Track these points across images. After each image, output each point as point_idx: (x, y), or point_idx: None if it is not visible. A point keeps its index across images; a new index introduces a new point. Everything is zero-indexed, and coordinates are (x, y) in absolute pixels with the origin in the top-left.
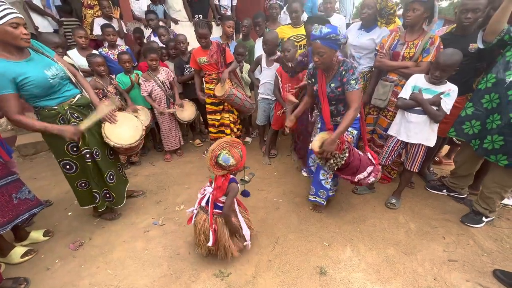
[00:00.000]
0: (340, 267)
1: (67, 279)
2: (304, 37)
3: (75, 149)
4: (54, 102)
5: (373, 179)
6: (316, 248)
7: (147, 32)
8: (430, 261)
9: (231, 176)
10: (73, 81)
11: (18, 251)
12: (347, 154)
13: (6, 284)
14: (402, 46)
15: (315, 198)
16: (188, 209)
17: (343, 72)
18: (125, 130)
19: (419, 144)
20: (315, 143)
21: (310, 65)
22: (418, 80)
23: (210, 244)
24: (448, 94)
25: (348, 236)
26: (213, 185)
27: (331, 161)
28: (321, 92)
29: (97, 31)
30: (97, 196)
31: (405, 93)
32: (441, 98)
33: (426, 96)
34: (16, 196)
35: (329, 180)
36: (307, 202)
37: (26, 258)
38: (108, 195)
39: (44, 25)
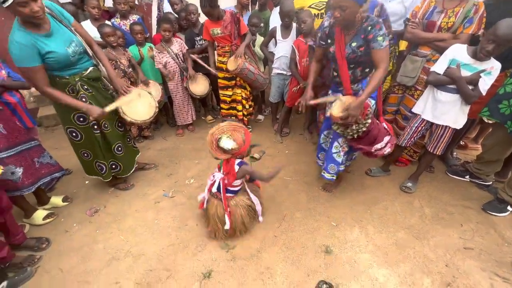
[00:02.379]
0: (346, 247)
1: (83, 242)
2: (326, 3)
3: (81, 119)
4: (67, 73)
5: (389, 150)
6: (323, 227)
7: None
8: (443, 247)
9: (239, 159)
10: (90, 53)
11: (40, 214)
12: (369, 121)
13: (30, 242)
14: (439, 15)
15: (323, 173)
16: (197, 184)
17: (369, 28)
18: (140, 106)
19: (446, 126)
20: (335, 108)
21: (326, 23)
22: (458, 53)
23: (227, 227)
24: (490, 73)
25: (357, 217)
26: (221, 171)
27: (353, 127)
28: (340, 54)
29: (108, 2)
30: (103, 166)
31: (439, 66)
32: (480, 77)
33: (464, 73)
34: (38, 160)
35: (342, 153)
36: (317, 182)
37: (48, 220)
38: (114, 166)
39: None
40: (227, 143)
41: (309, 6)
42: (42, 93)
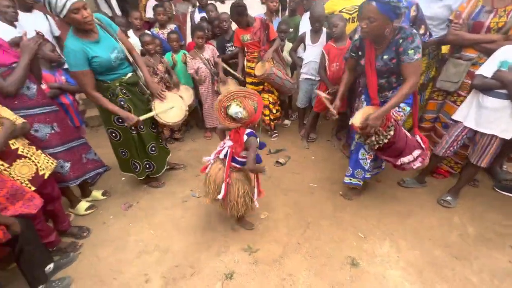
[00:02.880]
0: (375, 261)
1: (118, 234)
2: (358, 8)
3: (120, 120)
4: (108, 78)
5: (419, 164)
6: (349, 238)
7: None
8: (489, 271)
9: (248, 130)
10: (130, 60)
11: (83, 205)
12: (392, 133)
13: (73, 230)
14: (488, 15)
15: (350, 180)
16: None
17: (400, 41)
18: (172, 109)
19: (493, 135)
20: (357, 117)
21: (356, 36)
22: (510, 54)
23: (220, 197)
24: None
25: (388, 230)
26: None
27: (373, 138)
28: (369, 66)
29: (149, 14)
30: (137, 165)
31: (488, 69)
32: None
33: None
34: (85, 156)
35: (368, 161)
36: (343, 190)
37: (89, 211)
38: (148, 166)
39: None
40: (236, 111)
41: (340, 11)
42: (87, 95)
